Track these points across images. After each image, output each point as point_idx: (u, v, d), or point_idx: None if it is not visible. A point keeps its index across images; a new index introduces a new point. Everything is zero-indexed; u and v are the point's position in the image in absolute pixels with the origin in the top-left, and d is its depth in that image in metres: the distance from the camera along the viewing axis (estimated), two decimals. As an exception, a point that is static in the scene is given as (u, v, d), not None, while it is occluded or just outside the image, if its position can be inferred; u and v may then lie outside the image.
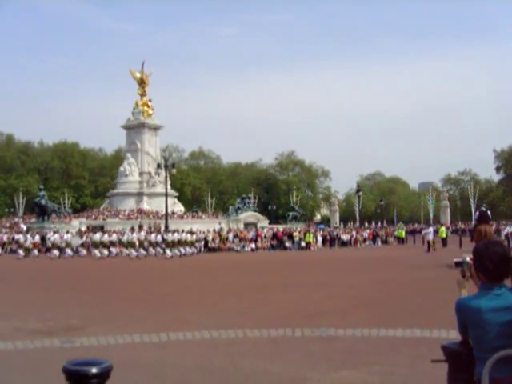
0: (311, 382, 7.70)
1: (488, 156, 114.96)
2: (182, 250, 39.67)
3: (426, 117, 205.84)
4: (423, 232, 49.95)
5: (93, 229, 47.80)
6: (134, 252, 38.23)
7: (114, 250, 38.61)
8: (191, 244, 42.34)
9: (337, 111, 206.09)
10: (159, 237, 41.06)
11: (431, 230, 45.49)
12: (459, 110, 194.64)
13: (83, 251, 39.36)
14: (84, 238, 41.30)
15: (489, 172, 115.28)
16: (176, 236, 41.22)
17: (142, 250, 38.70)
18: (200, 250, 45.03)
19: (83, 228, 49.44)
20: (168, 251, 38.17)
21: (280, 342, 10.33)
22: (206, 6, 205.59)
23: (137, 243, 40.23)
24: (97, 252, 37.50)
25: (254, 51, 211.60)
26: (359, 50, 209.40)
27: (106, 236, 40.57)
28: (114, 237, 40.55)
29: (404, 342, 10.06)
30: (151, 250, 39.32)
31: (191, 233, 44.34)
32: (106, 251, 37.82)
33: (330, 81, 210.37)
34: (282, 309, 14.17)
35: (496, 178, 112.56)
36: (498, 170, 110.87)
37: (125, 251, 38.52)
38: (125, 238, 40.60)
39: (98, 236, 40.45)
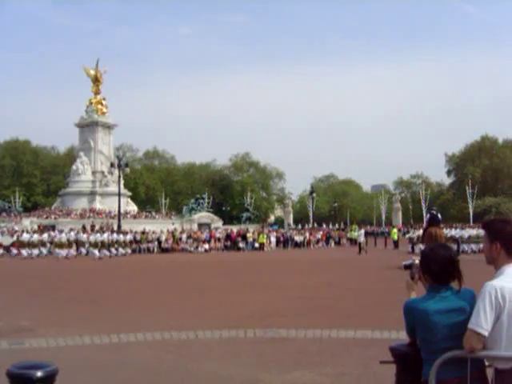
0: (263, 383, 7.70)
1: (439, 160, 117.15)
2: (113, 250, 39.79)
3: (379, 121, 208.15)
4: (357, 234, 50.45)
5: (44, 228, 47.00)
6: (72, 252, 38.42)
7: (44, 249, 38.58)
8: (124, 245, 42.06)
9: (292, 113, 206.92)
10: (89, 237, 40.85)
11: (362, 232, 46.14)
12: (412, 114, 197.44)
13: (14, 251, 38.97)
14: (14, 238, 40.66)
15: (440, 175, 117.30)
16: (106, 236, 40.87)
17: (83, 250, 38.72)
18: (153, 251, 44.85)
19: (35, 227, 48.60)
20: (96, 252, 38.15)
21: (232, 344, 10.32)
22: (161, 5, 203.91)
23: (86, 243, 40.01)
24: (24, 252, 37.55)
25: (210, 51, 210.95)
26: (315, 53, 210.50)
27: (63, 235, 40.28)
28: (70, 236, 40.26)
29: (355, 343, 10.16)
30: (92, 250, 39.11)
31: (125, 233, 44.04)
32: (36, 251, 37.78)
33: (285, 82, 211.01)
34: (234, 310, 14.15)
35: (447, 181, 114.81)
36: (448, 173, 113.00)
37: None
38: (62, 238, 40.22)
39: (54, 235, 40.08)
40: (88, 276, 25.15)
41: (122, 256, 39.45)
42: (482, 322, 3.46)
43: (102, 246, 39.77)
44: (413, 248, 40.58)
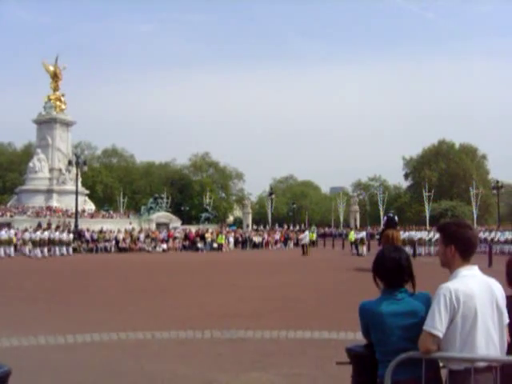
0: (219, 383, 7.70)
1: (397, 163, 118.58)
2: (57, 249, 39.56)
3: (338, 123, 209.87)
4: (300, 236, 50.83)
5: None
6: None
7: None
8: (67, 243, 41.64)
9: (252, 114, 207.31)
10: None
11: (306, 233, 46.59)
12: (370, 117, 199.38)
13: None
14: None
15: (397, 179, 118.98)
16: (46, 234, 40.30)
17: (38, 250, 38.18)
18: (110, 250, 44.47)
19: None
20: (36, 251, 37.93)
21: (189, 344, 10.29)
22: (122, 2, 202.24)
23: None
24: None
25: (171, 49, 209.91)
26: (278, 53, 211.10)
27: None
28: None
29: (312, 344, 10.22)
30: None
31: (69, 232, 43.56)
32: None
33: (245, 82, 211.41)
34: (191, 310, 14.11)
35: (404, 184, 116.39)
36: (406, 176, 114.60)
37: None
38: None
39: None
40: (41, 276, 24.78)
41: (65, 255, 39.20)
42: (437, 323, 3.51)
43: (42, 244, 39.17)
44: (357, 249, 41.04)
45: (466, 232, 3.79)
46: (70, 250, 41.19)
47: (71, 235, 43.04)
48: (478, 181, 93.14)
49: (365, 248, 40.96)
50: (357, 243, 41.76)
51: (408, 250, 34.45)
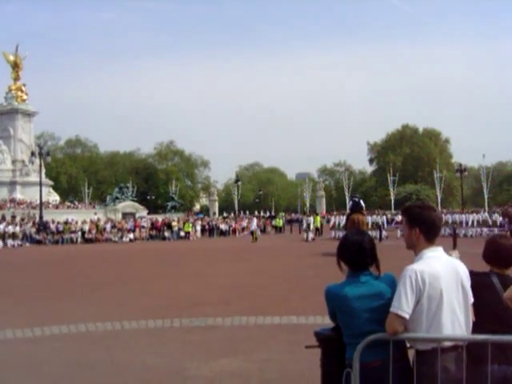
0: (189, 371, 7.71)
1: (362, 148, 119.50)
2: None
3: (302, 108, 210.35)
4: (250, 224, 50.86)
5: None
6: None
7: None
8: (14, 236, 41.38)
9: (217, 101, 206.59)
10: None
11: (255, 221, 46.80)
12: (334, 104, 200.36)
13: None
14: None
15: (362, 164, 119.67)
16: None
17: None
18: (76, 241, 44.09)
19: None
20: None
21: (158, 333, 10.28)
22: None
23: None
24: None
25: (134, 37, 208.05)
26: (241, 39, 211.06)
27: None
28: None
29: (281, 329, 10.29)
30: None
31: (16, 224, 43.27)
32: None
33: (211, 71, 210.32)
34: (160, 299, 14.08)
35: (369, 169, 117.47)
36: (371, 161, 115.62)
37: None
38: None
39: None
40: (4, 268, 24.47)
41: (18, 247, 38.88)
42: (404, 305, 3.56)
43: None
44: (307, 235, 41.08)
45: (430, 214, 3.84)
46: (13, 242, 41.08)
47: (17, 227, 42.72)
48: (442, 164, 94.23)
49: (311, 234, 41.19)
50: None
51: (375, 234, 34.82)
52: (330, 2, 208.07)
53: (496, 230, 35.53)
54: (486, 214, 44.70)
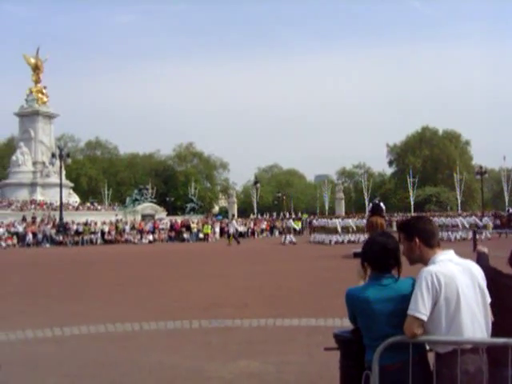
0: (208, 372, 7.72)
1: (381, 150, 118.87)
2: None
3: (322, 111, 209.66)
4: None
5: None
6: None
7: None
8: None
9: (236, 104, 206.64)
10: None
11: (233, 223, 46.71)
12: (354, 105, 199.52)
13: None
14: None
15: (381, 166, 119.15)
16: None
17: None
18: (96, 242, 44.35)
19: None
20: None
21: (177, 334, 10.31)
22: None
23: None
24: None
25: (151, 40, 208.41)
26: (262, 43, 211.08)
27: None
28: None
29: (300, 331, 10.27)
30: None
31: (8, 225, 43.79)
32: None
33: (229, 72, 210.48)
34: (179, 301, 14.12)
35: (388, 171, 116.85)
36: (390, 163, 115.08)
37: None
38: None
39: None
40: (25, 269, 24.66)
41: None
42: (421, 307, 3.55)
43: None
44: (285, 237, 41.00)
45: (424, 222, 3.94)
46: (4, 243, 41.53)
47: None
48: (462, 167, 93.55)
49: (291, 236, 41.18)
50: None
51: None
52: (349, 4, 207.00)
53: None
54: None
